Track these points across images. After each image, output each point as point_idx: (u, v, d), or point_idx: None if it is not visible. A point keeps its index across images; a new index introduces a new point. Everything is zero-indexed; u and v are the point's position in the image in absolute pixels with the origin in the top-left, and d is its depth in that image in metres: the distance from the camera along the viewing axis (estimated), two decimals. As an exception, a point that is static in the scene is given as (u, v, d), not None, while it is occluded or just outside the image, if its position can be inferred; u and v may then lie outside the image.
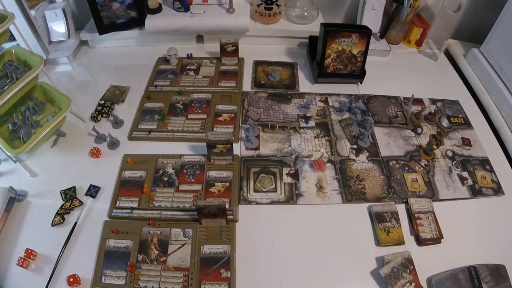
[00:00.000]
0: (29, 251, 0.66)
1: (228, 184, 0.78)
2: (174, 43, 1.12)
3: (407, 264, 0.66)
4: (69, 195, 0.76)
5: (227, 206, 0.74)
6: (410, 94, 0.98)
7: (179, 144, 0.86)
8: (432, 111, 0.96)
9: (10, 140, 0.80)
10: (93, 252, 0.68)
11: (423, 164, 0.85)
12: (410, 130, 0.92)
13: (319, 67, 1.00)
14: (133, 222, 0.72)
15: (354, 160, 0.84)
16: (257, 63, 1.10)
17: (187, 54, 1.10)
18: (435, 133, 0.86)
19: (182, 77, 1.03)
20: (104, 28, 1.07)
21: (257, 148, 0.86)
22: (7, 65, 0.81)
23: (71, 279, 0.62)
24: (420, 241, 0.71)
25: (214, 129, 0.89)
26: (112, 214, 0.73)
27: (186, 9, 1.08)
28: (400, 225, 0.73)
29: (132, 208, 0.74)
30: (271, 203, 0.76)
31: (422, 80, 1.09)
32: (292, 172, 0.81)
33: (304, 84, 1.04)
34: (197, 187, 0.77)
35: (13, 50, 0.84)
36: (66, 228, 0.70)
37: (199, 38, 1.17)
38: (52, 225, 0.71)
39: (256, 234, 0.71)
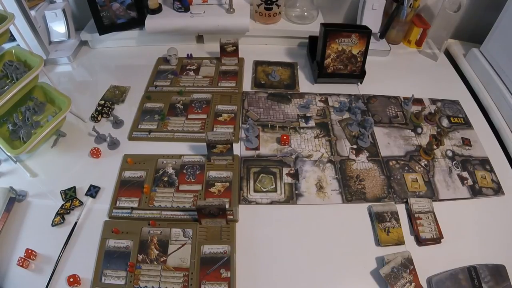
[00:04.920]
0: (29, 251, 0.66)
1: (228, 184, 0.78)
2: (174, 43, 1.11)
3: (407, 264, 0.66)
4: (69, 195, 0.76)
5: (227, 206, 0.74)
6: (410, 94, 0.98)
7: (179, 144, 0.86)
8: (432, 111, 0.96)
9: (10, 140, 0.80)
10: (93, 252, 0.68)
11: (423, 164, 0.85)
12: (410, 130, 0.92)
13: (319, 67, 1.00)
14: (133, 222, 0.72)
15: (354, 160, 0.84)
16: (257, 63, 1.10)
17: (187, 54, 1.10)
18: (435, 133, 0.86)
19: (182, 77, 1.03)
20: (104, 28, 1.07)
21: (257, 148, 0.86)
22: (7, 65, 0.81)
23: (71, 279, 0.62)
24: (420, 241, 0.71)
25: (214, 129, 0.89)
26: (112, 214, 0.73)
27: (186, 9, 1.08)
28: (400, 225, 0.73)
29: (132, 208, 0.74)
30: (271, 203, 0.76)
31: (422, 80, 1.09)
32: (292, 172, 0.81)
33: (304, 84, 1.04)
34: (197, 187, 0.77)
35: (13, 51, 0.84)
36: (66, 228, 0.70)
37: (199, 38, 1.17)
38: (52, 225, 0.71)
39: (256, 234, 0.71)
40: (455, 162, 0.86)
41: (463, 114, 0.99)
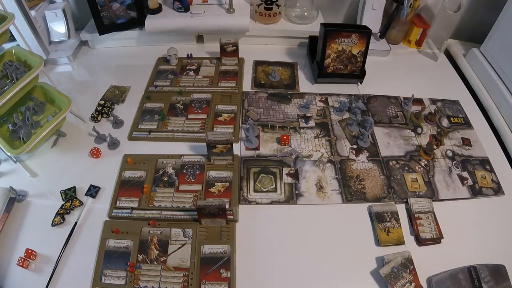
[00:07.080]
0: (29, 251, 0.66)
1: (228, 184, 0.78)
2: (174, 43, 1.12)
3: (407, 264, 0.66)
4: (69, 195, 0.76)
5: (227, 206, 0.74)
6: (410, 94, 0.98)
7: (179, 144, 0.86)
8: (432, 111, 0.96)
9: (10, 140, 0.80)
10: (93, 252, 0.68)
11: (423, 164, 0.85)
12: (410, 130, 0.92)
13: (319, 67, 1.00)
14: (133, 222, 0.72)
15: (354, 160, 0.84)
16: (257, 63, 1.10)
17: (187, 54, 1.10)
18: (435, 133, 0.86)
19: (182, 77, 1.03)
20: (104, 28, 1.07)
21: (257, 148, 0.86)
22: (7, 65, 0.81)
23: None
24: (420, 241, 0.71)
25: (214, 129, 0.89)
26: (112, 214, 0.73)
27: (186, 9, 1.08)
28: (400, 225, 0.73)
29: (132, 208, 0.74)
30: (271, 203, 0.76)
31: (422, 80, 1.09)
32: (292, 172, 0.81)
33: (304, 84, 1.04)
34: (197, 187, 0.77)
35: (13, 51, 0.84)
36: (66, 228, 0.70)
37: (199, 38, 1.17)
38: (52, 225, 0.71)
39: (256, 234, 0.71)
40: (455, 162, 0.86)
41: (463, 114, 0.99)
